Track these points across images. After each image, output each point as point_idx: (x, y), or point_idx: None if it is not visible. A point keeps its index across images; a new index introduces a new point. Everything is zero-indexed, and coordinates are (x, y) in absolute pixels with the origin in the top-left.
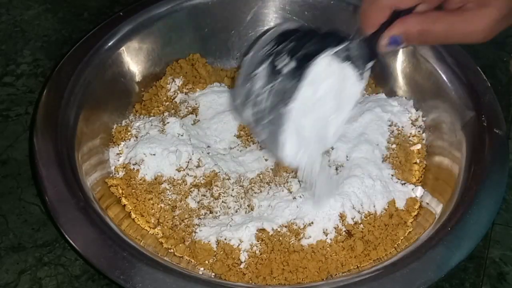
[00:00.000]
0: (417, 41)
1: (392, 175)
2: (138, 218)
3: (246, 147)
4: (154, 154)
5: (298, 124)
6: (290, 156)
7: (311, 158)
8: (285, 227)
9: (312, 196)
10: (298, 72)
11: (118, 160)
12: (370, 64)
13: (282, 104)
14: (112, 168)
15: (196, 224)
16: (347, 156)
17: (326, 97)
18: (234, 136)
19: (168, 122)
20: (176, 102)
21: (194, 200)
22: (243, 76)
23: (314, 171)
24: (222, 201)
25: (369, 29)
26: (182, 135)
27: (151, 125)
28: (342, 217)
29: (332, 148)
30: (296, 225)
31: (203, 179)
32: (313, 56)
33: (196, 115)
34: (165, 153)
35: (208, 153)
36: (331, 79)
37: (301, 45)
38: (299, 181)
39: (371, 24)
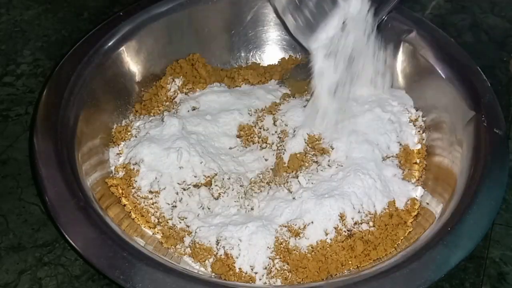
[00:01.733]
0: None
1: (392, 175)
2: (138, 218)
3: (246, 147)
4: (154, 154)
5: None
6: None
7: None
8: (285, 227)
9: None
10: None
11: (118, 160)
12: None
13: None
14: (112, 168)
15: (196, 224)
16: (347, 156)
17: None
18: (234, 136)
19: (168, 122)
20: (176, 102)
21: (194, 200)
22: None
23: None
24: (222, 201)
25: None
26: (182, 135)
27: (151, 125)
28: (342, 217)
29: (332, 148)
30: (296, 225)
31: (203, 179)
32: None
33: (196, 115)
34: (165, 153)
35: (208, 153)
36: None
37: None
38: (299, 181)
39: None
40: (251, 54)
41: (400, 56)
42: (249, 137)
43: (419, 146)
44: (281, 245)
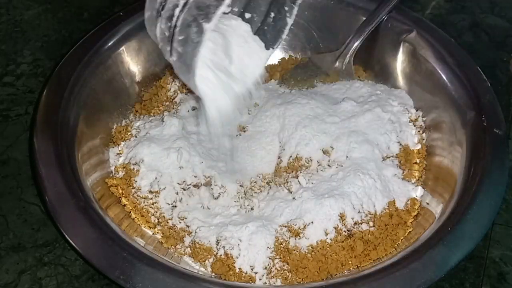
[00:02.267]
0: None
1: (392, 175)
2: (138, 218)
3: None
4: (154, 154)
5: (215, 51)
6: (202, 88)
7: (226, 98)
8: (285, 227)
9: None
10: None
11: (118, 160)
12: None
13: (200, 19)
14: (112, 168)
15: (196, 224)
16: (347, 156)
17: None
18: (234, 136)
19: (168, 122)
20: (176, 102)
21: (194, 200)
22: None
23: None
24: (222, 201)
25: None
26: (182, 135)
27: (151, 125)
28: (342, 217)
29: (332, 148)
30: (296, 225)
31: (203, 179)
32: None
33: (196, 115)
34: (165, 153)
35: (208, 152)
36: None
37: None
38: (299, 181)
39: None
40: None
41: (400, 56)
42: None
43: (419, 146)
44: (281, 245)
